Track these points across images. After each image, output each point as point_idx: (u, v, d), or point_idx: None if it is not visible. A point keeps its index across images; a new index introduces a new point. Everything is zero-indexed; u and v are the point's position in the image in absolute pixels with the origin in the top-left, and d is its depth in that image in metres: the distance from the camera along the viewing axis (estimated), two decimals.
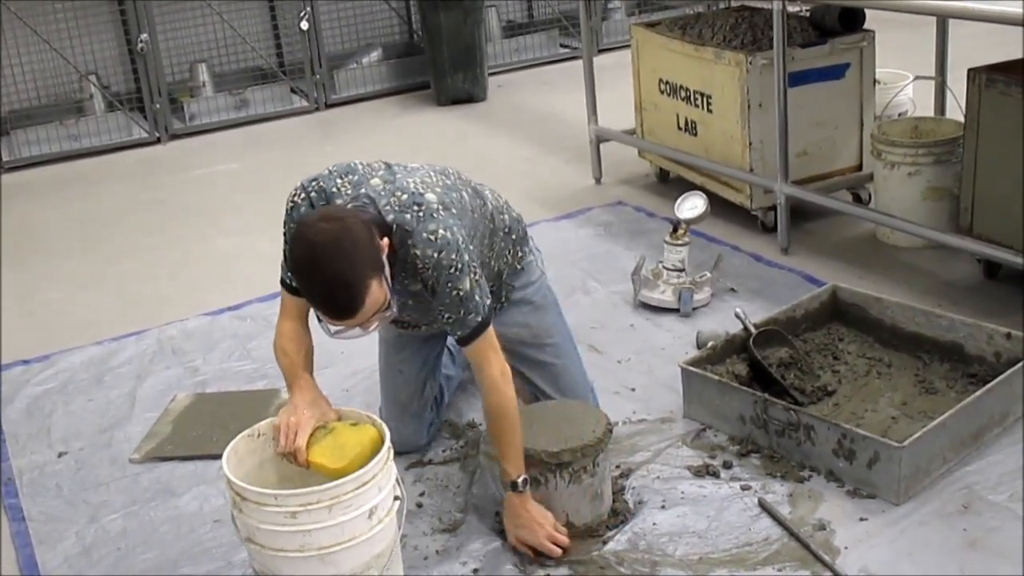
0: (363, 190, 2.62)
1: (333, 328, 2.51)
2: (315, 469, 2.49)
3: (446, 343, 3.30)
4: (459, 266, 2.56)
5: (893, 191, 4.24)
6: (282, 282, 2.76)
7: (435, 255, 2.54)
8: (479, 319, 2.62)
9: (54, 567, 2.89)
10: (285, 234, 2.68)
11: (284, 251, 2.68)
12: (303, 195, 2.67)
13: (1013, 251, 3.60)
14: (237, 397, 3.64)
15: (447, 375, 3.37)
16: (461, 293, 2.57)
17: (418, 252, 2.54)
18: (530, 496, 2.68)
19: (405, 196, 2.59)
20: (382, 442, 2.49)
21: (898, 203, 4.19)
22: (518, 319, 3.06)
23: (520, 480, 2.65)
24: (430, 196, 2.61)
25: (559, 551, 2.68)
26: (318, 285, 2.40)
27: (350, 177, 2.67)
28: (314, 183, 2.67)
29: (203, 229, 5.33)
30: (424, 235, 2.54)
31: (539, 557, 2.69)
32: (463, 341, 2.64)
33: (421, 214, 2.57)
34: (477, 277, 2.61)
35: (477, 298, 2.61)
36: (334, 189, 2.65)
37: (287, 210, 2.69)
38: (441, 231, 2.55)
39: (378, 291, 2.42)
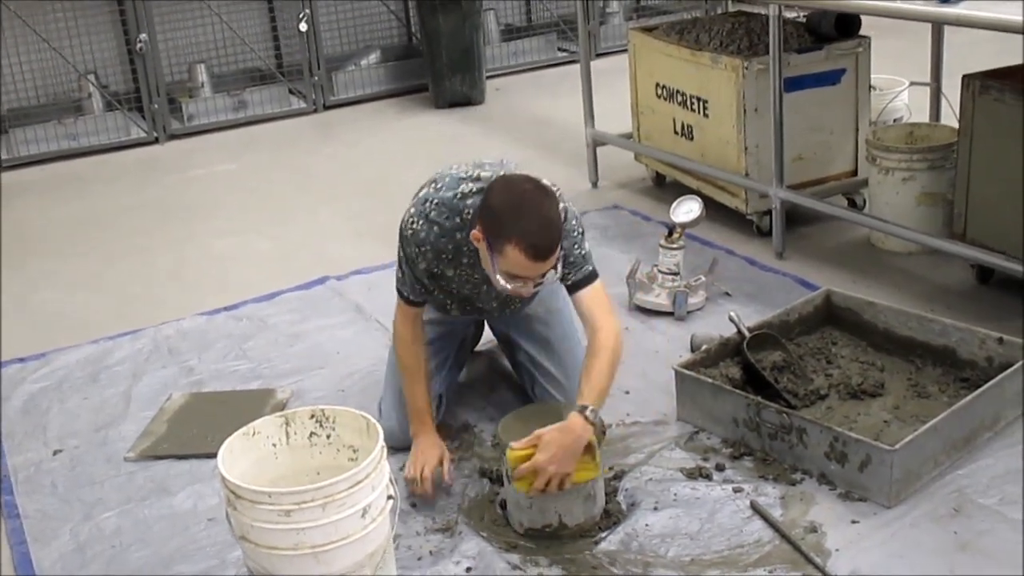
0: (483, 184, 2.84)
1: (507, 282, 2.72)
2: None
3: (458, 345, 3.36)
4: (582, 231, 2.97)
5: (887, 196, 4.25)
6: (401, 295, 3.04)
7: (572, 221, 2.89)
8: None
9: (49, 565, 2.90)
10: (401, 258, 2.98)
11: (400, 272, 3.01)
12: (421, 221, 2.88)
13: (1006, 256, 3.63)
14: (232, 397, 3.65)
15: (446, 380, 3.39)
16: (583, 252, 2.94)
17: (564, 225, 2.82)
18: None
19: (533, 176, 2.84)
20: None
21: (892, 208, 4.21)
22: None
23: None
24: (546, 181, 2.87)
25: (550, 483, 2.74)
26: (531, 223, 2.64)
27: (451, 182, 2.90)
28: (428, 203, 2.89)
29: (200, 229, 5.34)
30: (565, 212, 2.86)
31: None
32: (577, 286, 2.94)
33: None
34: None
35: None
36: (454, 196, 2.86)
37: (406, 236, 2.93)
38: (571, 206, 2.92)
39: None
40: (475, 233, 2.73)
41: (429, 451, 3.01)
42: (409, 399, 3.09)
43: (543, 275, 2.72)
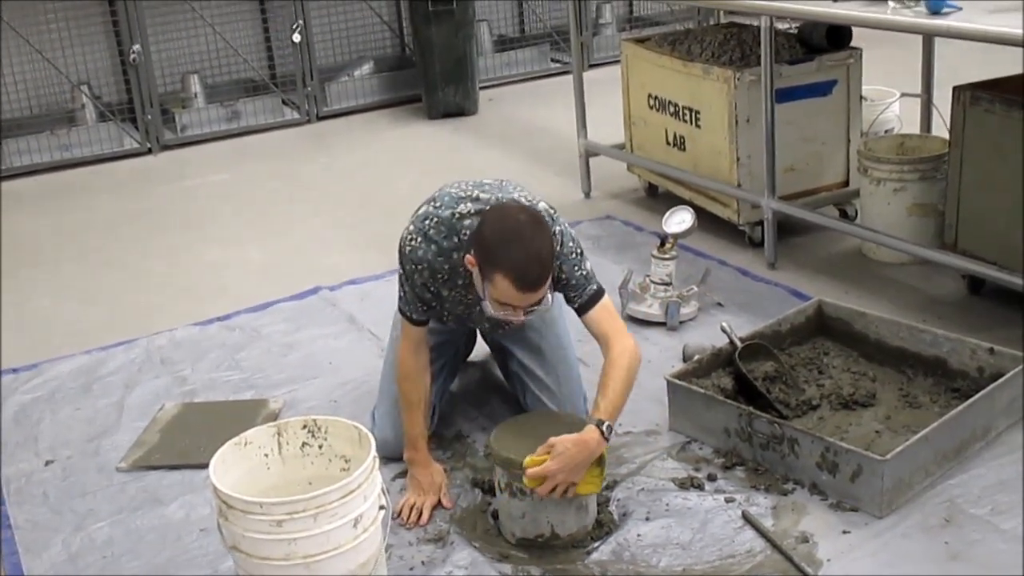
0: (481, 205, 2.84)
1: (497, 309, 2.73)
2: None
3: (453, 354, 3.36)
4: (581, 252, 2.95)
5: (879, 207, 4.27)
6: (404, 314, 3.01)
7: (570, 243, 2.88)
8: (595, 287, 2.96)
9: (40, 574, 2.89)
10: (401, 277, 2.96)
11: (401, 291, 2.99)
12: (419, 238, 2.88)
13: (997, 267, 3.64)
14: (225, 407, 3.65)
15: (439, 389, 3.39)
16: (584, 272, 2.92)
17: (561, 249, 2.85)
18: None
19: (528, 206, 2.85)
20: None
21: (884, 219, 4.23)
22: None
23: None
24: (543, 204, 2.90)
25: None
26: (521, 253, 2.63)
27: (455, 203, 2.88)
28: (427, 221, 2.88)
29: (193, 239, 5.34)
30: (561, 236, 2.87)
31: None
32: (585, 308, 2.93)
33: (548, 220, 2.84)
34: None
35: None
36: (452, 216, 2.85)
37: (404, 253, 2.92)
38: (568, 227, 2.92)
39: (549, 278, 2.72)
40: (469, 258, 2.75)
41: (427, 485, 3.01)
42: (407, 425, 3.07)
43: (534, 304, 2.72)
